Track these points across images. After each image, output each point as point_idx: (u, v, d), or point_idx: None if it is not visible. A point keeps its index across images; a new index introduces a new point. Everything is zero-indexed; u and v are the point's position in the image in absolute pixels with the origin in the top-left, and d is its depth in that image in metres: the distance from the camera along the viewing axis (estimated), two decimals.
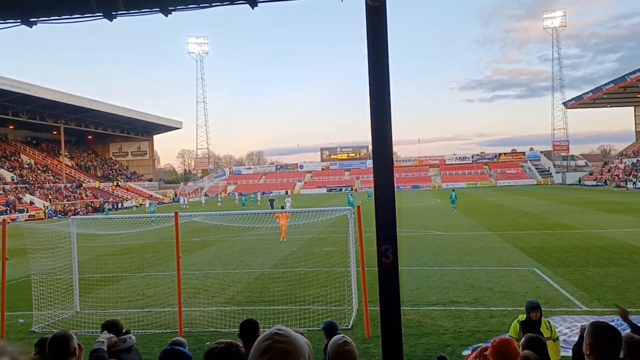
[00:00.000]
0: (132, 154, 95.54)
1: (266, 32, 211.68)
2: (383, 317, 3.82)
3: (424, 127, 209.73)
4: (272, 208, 43.26)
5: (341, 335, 3.30)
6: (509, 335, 6.81)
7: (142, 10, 6.65)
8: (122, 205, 67.03)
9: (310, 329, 9.58)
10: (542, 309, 10.16)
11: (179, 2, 6.45)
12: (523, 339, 4.59)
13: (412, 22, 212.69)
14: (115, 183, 78.46)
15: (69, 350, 3.83)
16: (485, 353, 2.07)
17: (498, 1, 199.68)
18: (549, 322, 6.32)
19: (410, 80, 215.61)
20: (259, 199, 62.04)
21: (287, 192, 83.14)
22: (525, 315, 6.47)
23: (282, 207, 35.61)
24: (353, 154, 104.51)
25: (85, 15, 6.57)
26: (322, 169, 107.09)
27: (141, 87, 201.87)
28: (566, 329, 9.48)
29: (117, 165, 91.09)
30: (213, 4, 6.46)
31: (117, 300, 12.97)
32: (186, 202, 62.90)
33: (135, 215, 22.10)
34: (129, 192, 77.14)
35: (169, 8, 6.54)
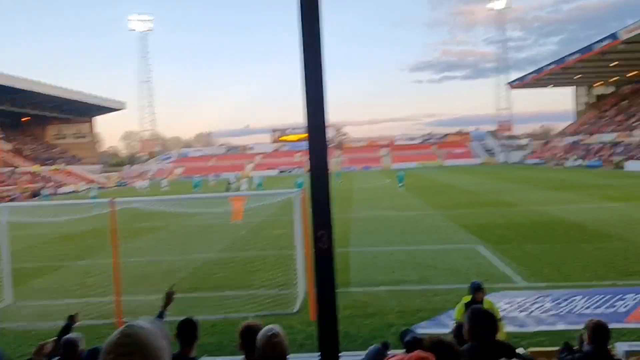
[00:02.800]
0: (72, 137, 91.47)
1: (213, 12, 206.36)
2: (320, 303, 3.68)
3: (375, 109, 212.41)
4: (228, 190, 42.74)
5: (271, 326, 3.19)
6: (455, 320, 6.87)
7: None
8: (57, 191, 64.27)
9: (257, 314, 9.46)
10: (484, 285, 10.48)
11: None
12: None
13: (363, 6, 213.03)
14: (54, 167, 75.07)
15: None
16: None
17: None
18: (491, 303, 6.41)
19: (362, 62, 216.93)
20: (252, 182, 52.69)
21: (237, 175, 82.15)
22: (469, 297, 6.54)
23: (238, 189, 35.18)
24: (304, 135, 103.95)
25: None
26: (273, 151, 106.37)
27: (81, 67, 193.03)
28: (506, 304, 9.77)
29: (57, 149, 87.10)
30: None
31: (54, 290, 12.39)
32: (146, 186, 58.95)
33: (72, 202, 21.18)
34: (70, 177, 74.07)
35: None
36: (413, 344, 3.95)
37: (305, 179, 43.44)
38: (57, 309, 10.60)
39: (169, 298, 5.23)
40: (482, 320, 3.35)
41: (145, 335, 1.31)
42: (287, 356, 3.11)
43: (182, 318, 4.38)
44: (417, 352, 2.06)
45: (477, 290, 6.43)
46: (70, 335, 4.22)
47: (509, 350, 3.42)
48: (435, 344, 3.47)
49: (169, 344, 1.40)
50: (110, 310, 10.16)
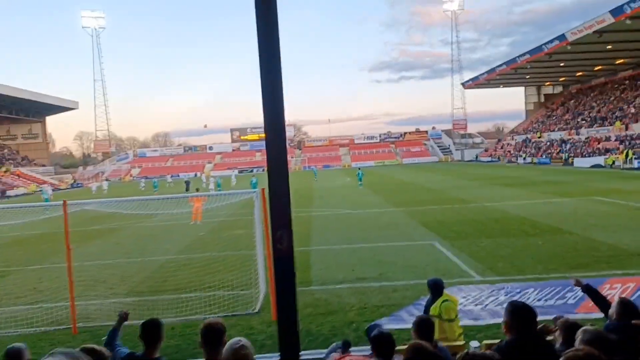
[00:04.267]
0: (22, 137, 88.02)
1: (169, 10, 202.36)
2: (279, 303, 3.70)
3: (335, 108, 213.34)
4: (188, 191, 42.02)
5: (238, 339, 3.18)
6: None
7: None
8: (5, 193, 61.65)
9: (217, 315, 9.36)
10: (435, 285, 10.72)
11: None
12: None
13: (322, 5, 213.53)
14: (4, 169, 71.96)
15: None
16: None
17: None
18: (442, 302, 6.39)
19: (322, 62, 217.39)
20: (233, 180, 55.13)
21: (196, 175, 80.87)
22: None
23: (197, 190, 34.67)
24: (264, 134, 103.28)
25: None
26: (233, 150, 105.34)
27: (32, 66, 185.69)
28: (462, 298, 10.04)
29: (6, 150, 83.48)
30: None
31: (4, 297, 11.91)
32: (104, 187, 57.10)
33: (23, 205, 20.40)
34: (21, 179, 71.18)
35: None
36: (379, 338, 4.00)
37: (259, 179, 43.35)
38: (7, 315, 10.20)
39: (122, 319, 5.10)
40: (522, 315, 3.38)
41: None
42: None
43: (142, 321, 4.30)
44: None
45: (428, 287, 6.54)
46: (15, 344, 3.95)
47: (548, 345, 3.45)
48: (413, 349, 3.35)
49: None
50: (64, 316, 9.86)
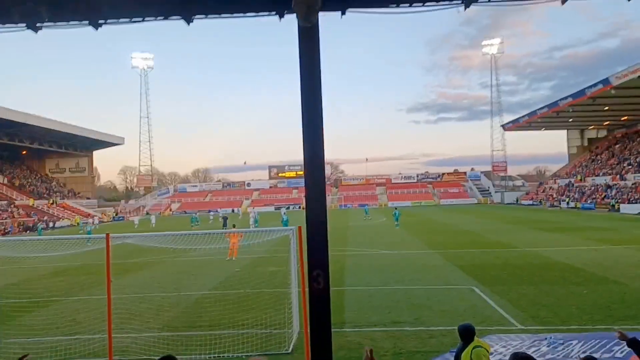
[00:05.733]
0: (70, 171, 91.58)
1: (211, 49, 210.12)
2: (313, 342, 3.69)
3: (373, 147, 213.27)
4: (225, 227, 42.48)
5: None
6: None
7: (70, 23, 6.35)
8: (54, 225, 63.75)
9: (249, 354, 9.30)
10: (479, 327, 10.36)
11: (109, 15, 6.21)
12: None
13: (365, 48, 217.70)
14: (51, 201, 74.79)
15: None
16: None
17: (445, 31, 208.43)
18: (473, 348, 6.13)
19: (362, 101, 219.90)
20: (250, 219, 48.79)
21: (233, 211, 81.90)
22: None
23: (234, 226, 35.01)
24: (301, 172, 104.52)
25: (6, 26, 6.20)
26: (270, 187, 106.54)
27: (83, 102, 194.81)
28: (502, 347, 9.65)
29: (54, 182, 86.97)
30: (146, 19, 6.26)
31: (44, 327, 12.15)
32: (152, 221, 57.17)
33: (66, 236, 21.02)
34: (66, 211, 73.72)
35: (99, 21, 6.29)
36: None
37: (290, 216, 43.47)
38: (46, 346, 10.40)
39: None
40: None
41: None
42: None
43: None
44: None
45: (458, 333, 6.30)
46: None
47: None
48: None
49: None
50: (101, 348, 9.98)
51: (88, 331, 11.40)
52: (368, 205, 75.66)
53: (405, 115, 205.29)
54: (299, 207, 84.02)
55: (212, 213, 71.20)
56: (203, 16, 5.98)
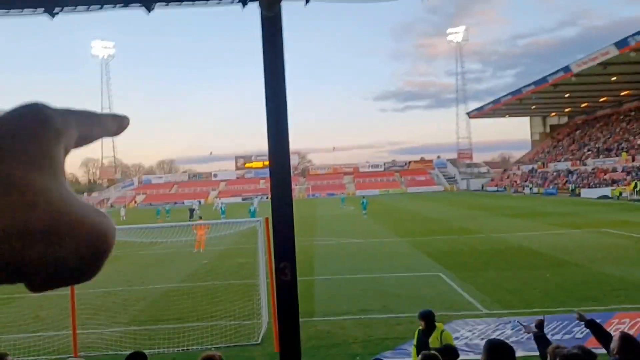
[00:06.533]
0: None
1: (173, 38, 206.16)
2: (282, 333, 3.67)
3: (340, 136, 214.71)
4: (191, 218, 41.97)
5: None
6: (414, 344, 6.93)
7: (24, 11, 6.08)
8: None
9: (219, 345, 9.23)
10: (447, 313, 10.58)
11: (65, 3, 5.97)
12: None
13: (331, 37, 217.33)
14: None
15: None
16: None
17: (410, 19, 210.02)
18: (441, 332, 6.39)
19: (328, 91, 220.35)
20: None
21: (199, 202, 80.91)
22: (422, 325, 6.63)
23: (201, 218, 34.60)
24: (268, 162, 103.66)
25: None
26: (237, 178, 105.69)
27: (39, 90, 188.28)
28: (468, 332, 9.87)
29: None
30: (105, 6, 6.04)
31: (5, 325, 11.76)
32: (122, 214, 55.72)
33: None
34: None
35: (55, 9, 6.04)
36: None
37: (258, 207, 43.34)
38: (8, 344, 10.08)
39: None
40: (498, 353, 3.29)
41: None
42: None
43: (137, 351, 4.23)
44: None
45: (419, 318, 6.60)
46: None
47: None
48: None
49: None
50: (66, 345, 9.73)
51: (52, 328, 11.09)
52: (344, 195, 75.70)
53: (372, 104, 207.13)
54: (266, 198, 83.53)
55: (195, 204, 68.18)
56: (164, 4, 5.81)
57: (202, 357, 3.74)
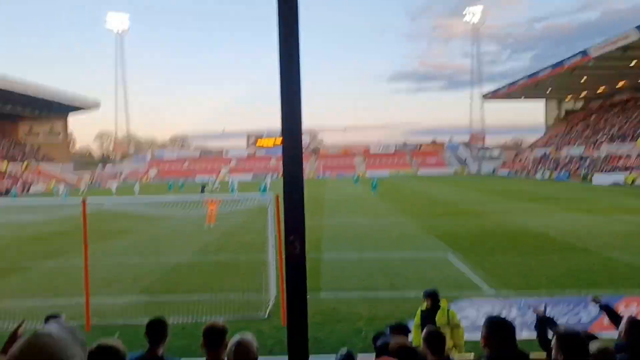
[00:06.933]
0: (44, 135, 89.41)
1: (190, 15, 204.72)
2: (290, 308, 3.73)
3: (352, 116, 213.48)
4: (203, 193, 42.42)
5: (242, 333, 3.23)
6: (415, 323, 7.04)
7: None
8: (28, 189, 62.64)
9: (227, 318, 9.42)
10: (453, 294, 10.65)
11: None
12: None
13: (345, 16, 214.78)
14: (24, 165, 73.21)
15: None
16: None
17: (426, 0, 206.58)
18: (447, 310, 6.51)
19: (342, 70, 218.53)
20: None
21: (211, 178, 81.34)
22: (426, 303, 6.74)
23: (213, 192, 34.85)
24: (279, 139, 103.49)
25: None
26: (248, 155, 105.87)
27: (57, 65, 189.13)
28: (473, 312, 9.96)
29: (27, 147, 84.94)
30: None
31: (20, 291, 12.10)
32: (136, 189, 54.51)
33: (43, 200, 20.74)
34: (41, 176, 72.36)
35: None
36: (382, 348, 4.04)
37: (269, 184, 43.56)
38: (23, 310, 10.37)
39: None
40: (498, 329, 3.31)
41: (52, 344, 1.23)
42: None
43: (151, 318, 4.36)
44: (383, 358, 2.12)
45: (424, 296, 6.71)
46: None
47: None
48: (399, 349, 3.57)
49: (84, 350, 1.33)
50: (79, 312, 9.98)
51: (65, 295, 11.38)
52: (357, 175, 75.33)
53: (385, 85, 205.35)
54: (277, 176, 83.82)
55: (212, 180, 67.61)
56: None
57: (207, 325, 3.83)
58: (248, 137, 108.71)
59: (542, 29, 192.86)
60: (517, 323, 9.48)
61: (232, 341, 3.17)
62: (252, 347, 3.13)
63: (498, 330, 3.30)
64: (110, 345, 2.71)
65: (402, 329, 4.86)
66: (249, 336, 3.20)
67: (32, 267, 15.30)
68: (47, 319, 4.75)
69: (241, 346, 3.09)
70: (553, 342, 3.50)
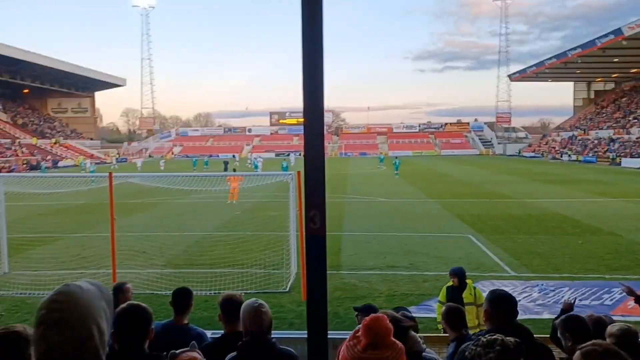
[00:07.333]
0: (72, 111, 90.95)
1: None
2: (309, 283, 3.79)
3: (376, 95, 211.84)
4: (226, 170, 42.82)
5: (255, 298, 3.31)
6: (439, 300, 7.12)
7: None
8: (57, 164, 64.10)
9: (248, 291, 9.62)
10: (474, 274, 10.66)
11: None
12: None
13: None
14: (53, 140, 74.81)
15: None
16: (357, 334, 2.08)
17: None
18: (474, 288, 6.58)
19: (366, 49, 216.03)
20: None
21: (234, 156, 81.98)
22: (452, 281, 6.79)
23: (235, 170, 35.21)
24: (302, 119, 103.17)
25: None
26: (271, 134, 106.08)
27: (84, 42, 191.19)
28: None
29: (56, 122, 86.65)
30: None
31: (50, 261, 12.51)
32: (161, 165, 56.57)
33: (70, 174, 21.22)
34: (69, 151, 73.88)
35: None
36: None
37: (289, 163, 43.74)
38: (53, 279, 10.76)
39: None
40: (500, 303, 3.31)
41: (80, 294, 1.29)
42: (271, 329, 3.21)
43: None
44: (371, 316, 2.15)
45: (451, 275, 6.77)
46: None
47: (527, 335, 3.40)
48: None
49: (110, 307, 1.38)
50: (105, 282, 10.29)
51: (93, 266, 11.73)
52: (381, 154, 74.42)
53: (410, 64, 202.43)
54: (299, 154, 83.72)
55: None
56: None
57: (224, 296, 3.91)
58: (271, 116, 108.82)
59: (574, 7, 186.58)
60: (537, 304, 9.48)
61: (248, 304, 3.23)
62: (268, 311, 3.21)
63: (500, 303, 3.32)
64: (141, 306, 2.84)
65: (369, 311, 4.88)
66: (262, 301, 3.28)
67: (61, 238, 15.77)
68: (115, 288, 5.01)
69: (262, 308, 3.17)
70: (559, 327, 3.57)
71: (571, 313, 4.17)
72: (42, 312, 1.28)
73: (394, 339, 2.10)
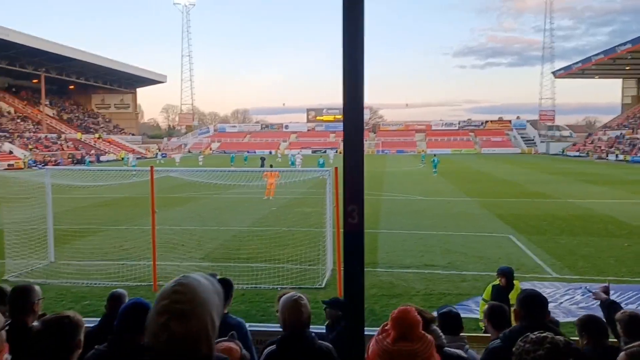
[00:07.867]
0: (115, 107, 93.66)
1: None
2: (346, 277, 3.78)
3: (415, 92, 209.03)
4: (263, 166, 43.22)
5: (294, 292, 3.30)
6: (483, 298, 6.97)
7: None
8: (99, 158, 66.11)
9: (284, 286, 9.67)
10: (515, 275, 10.39)
11: None
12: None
13: None
14: (97, 135, 77.22)
15: (29, 304, 3.65)
16: (386, 328, 2.03)
17: None
18: (521, 289, 6.38)
19: (405, 45, 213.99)
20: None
21: (270, 152, 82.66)
22: (499, 280, 6.66)
23: (271, 166, 35.50)
24: (339, 116, 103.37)
25: None
26: (308, 130, 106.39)
27: (126, 38, 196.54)
28: None
29: (100, 118, 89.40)
30: None
31: (93, 251, 12.91)
32: (200, 160, 57.76)
33: (113, 168, 21.81)
34: (111, 145, 76.11)
35: None
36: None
37: (326, 160, 43.68)
38: (96, 269, 11.10)
39: None
40: (530, 302, 3.29)
41: (198, 287, 1.34)
42: (309, 323, 3.20)
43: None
44: (399, 307, 2.11)
45: (500, 274, 6.63)
46: (118, 290, 4.60)
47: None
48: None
49: (221, 301, 1.44)
50: (146, 274, 10.55)
51: (134, 258, 12.03)
52: (423, 152, 73.42)
53: (450, 60, 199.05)
54: (336, 151, 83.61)
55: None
56: None
57: (281, 294, 3.91)
58: (308, 112, 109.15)
59: (623, 1, 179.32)
60: (580, 307, 9.15)
61: (288, 297, 3.23)
62: (307, 304, 3.19)
63: (529, 302, 3.28)
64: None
65: (337, 305, 4.93)
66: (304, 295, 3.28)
67: (104, 230, 16.25)
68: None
69: (302, 301, 3.16)
70: (578, 326, 3.78)
71: (588, 314, 4.15)
72: (164, 302, 1.31)
73: (423, 332, 2.07)
